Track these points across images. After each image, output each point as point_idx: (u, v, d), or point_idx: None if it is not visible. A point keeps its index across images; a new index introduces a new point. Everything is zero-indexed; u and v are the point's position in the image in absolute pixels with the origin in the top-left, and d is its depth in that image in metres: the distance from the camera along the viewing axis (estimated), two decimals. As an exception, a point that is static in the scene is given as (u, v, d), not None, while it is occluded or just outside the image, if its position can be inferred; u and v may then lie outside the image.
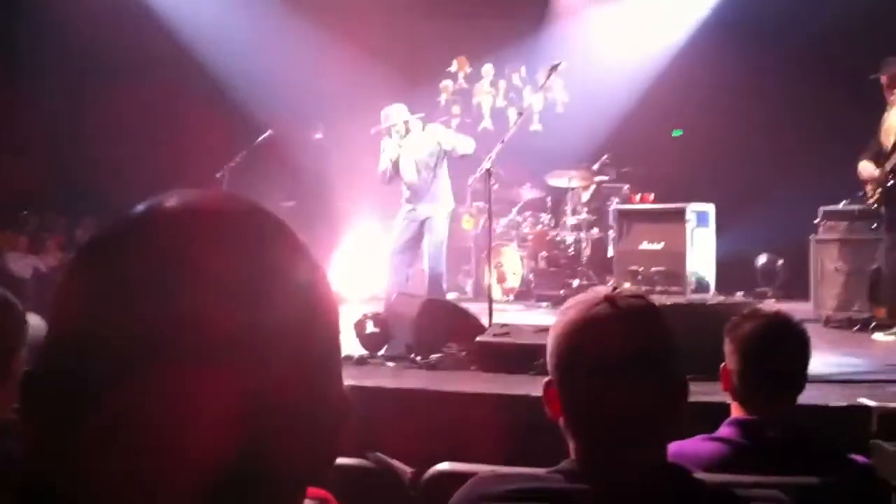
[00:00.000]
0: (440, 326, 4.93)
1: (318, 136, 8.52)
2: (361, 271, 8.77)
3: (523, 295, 8.83)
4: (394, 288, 6.54)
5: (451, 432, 3.58)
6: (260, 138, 7.84)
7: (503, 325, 4.97)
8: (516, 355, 4.39)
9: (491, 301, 5.79)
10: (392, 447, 2.45)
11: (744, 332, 2.18)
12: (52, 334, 0.58)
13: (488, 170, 6.02)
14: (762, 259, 8.86)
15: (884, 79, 6.03)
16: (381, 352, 5.04)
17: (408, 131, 6.85)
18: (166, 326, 0.54)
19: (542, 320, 5.65)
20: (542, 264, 8.88)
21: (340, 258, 8.83)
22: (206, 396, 0.55)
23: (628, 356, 1.40)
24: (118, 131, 8.85)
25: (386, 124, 6.85)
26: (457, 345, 4.74)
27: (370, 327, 5.05)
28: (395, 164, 6.84)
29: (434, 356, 4.70)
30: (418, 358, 4.76)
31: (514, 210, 9.40)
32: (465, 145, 6.81)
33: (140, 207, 0.60)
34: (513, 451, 3.36)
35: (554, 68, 6.35)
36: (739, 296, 8.39)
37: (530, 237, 9.07)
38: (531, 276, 8.89)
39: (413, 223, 6.90)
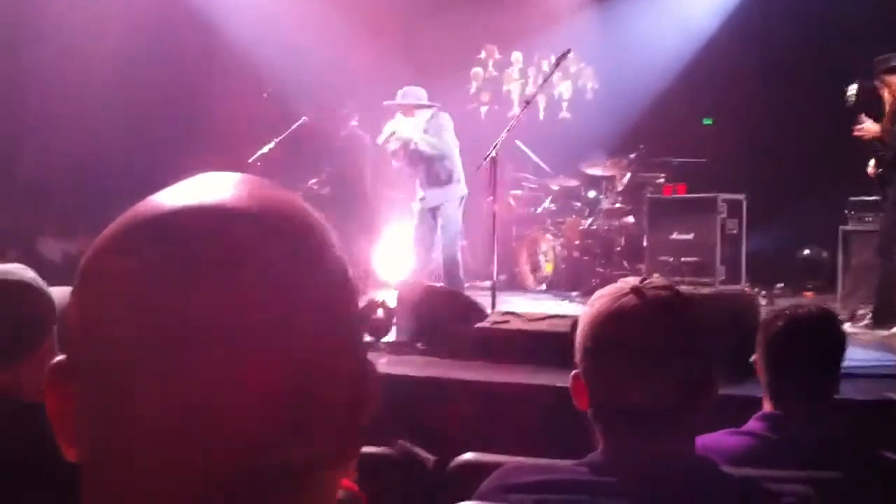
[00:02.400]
0: (441, 314, 4.92)
1: (354, 122, 8.50)
2: (403, 256, 8.78)
3: (556, 284, 8.76)
4: (415, 276, 6.58)
5: (439, 420, 3.59)
6: (294, 125, 7.90)
7: (505, 313, 4.95)
8: (515, 342, 4.38)
9: (494, 288, 5.81)
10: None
11: (775, 327, 2.18)
12: (85, 322, 0.57)
13: (493, 158, 5.98)
14: (806, 251, 8.71)
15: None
16: (386, 338, 5.01)
17: (415, 115, 6.82)
18: (202, 314, 0.54)
19: (571, 310, 5.59)
20: (575, 254, 8.83)
21: (383, 244, 8.82)
22: (245, 382, 0.54)
23: (653, 347, 1.39)
24: (150, 118, 8.91)
25: (401, 101, 6.84)
26: (456, 331, 4.72)
27: (377, 314, 5.05)
28: (406, 148, 6.82)
29: (432, 343, 4.69)
30: (419, 345, 4.74)
31: (549, 199, 9.35)
32: (440, 147, 6.76)
33: (170, 194, 0.59)
34: (490, 438, 3.41)
35: (563, 56, 6.31)
36: (779, 288, 8.42)
37: (564, 226, 9.01)
38: (563, 265, 8.84)
39: (425, 212, 6.92)
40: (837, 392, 2.20)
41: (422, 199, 6.96)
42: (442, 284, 5.81)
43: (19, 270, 1.98)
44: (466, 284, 7.04)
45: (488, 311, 5.16)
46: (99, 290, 0.57)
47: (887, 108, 6.09)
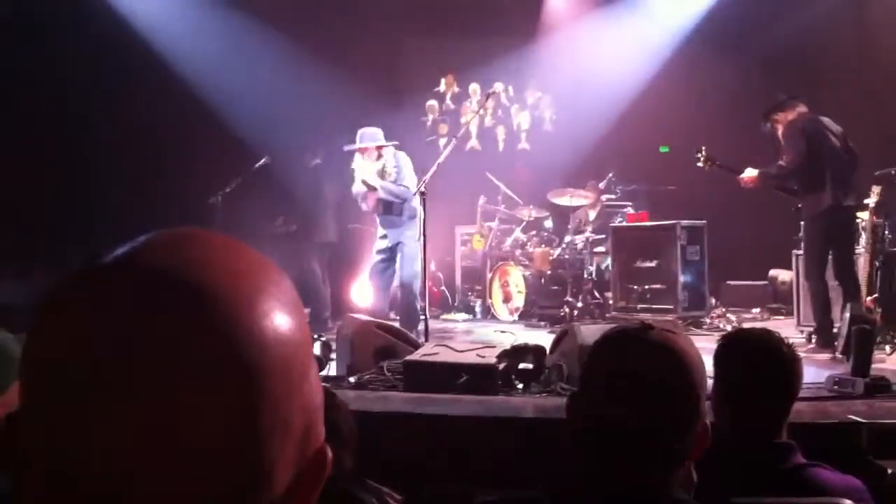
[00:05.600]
0: (374, 347, 5.09)
1: (317, 161, 8.54)
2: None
3: (526, 314, 8.81)
4: (373, 309, 6.78)
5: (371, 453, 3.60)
6: (256, 164, 7.92)
7: (437, 345, 5.08)
8: (441, 374, 4.47)
9: (427, 319, 6.15)
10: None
11: (718, 347, 2.24)
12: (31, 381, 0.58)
13: (422, 192, 6.31)
14: (780, 274, 8.79)
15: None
16: (322, 372, 5.03)
17: (379, 156, 7.03)
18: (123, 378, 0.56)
19: (542, 339, 5.64)
20: (545, 283, 8.87)
21: (359, 276, 8.83)
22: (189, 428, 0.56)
23: (635, 377, 1.44)
24: (109, 156, 8.81)
25: (360, 145, 7.01)
26: (388, 364, 4.88)
27: (315, 349, 5.07)
28: (372, 193, 7.01)
29: (364, 376, 4.81)
30: (351, 379, 4.83)
31: (518, 229, 9.43)
32: (400, 193, 6.94)
33: (101, 264, 0.60)
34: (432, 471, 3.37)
35: (489, 96, 7.13)
36: (755, 312, 8.57)
37: (533, 256, 9.06)
38: (534, 296, 8.87)
39: (386, 249, 7.08)
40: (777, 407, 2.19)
41: (382, 237, 7.14)
42: (380, 320, 5.89)
43: None
44: (442, 315, 6.72)
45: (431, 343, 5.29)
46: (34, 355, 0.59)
47: (783, 142, 6.34)
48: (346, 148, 7.14)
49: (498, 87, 10.04)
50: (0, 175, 8.14)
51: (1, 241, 8.17)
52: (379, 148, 7.01)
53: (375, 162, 7.01)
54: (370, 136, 7.03)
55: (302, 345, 0.62)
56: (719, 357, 2.22)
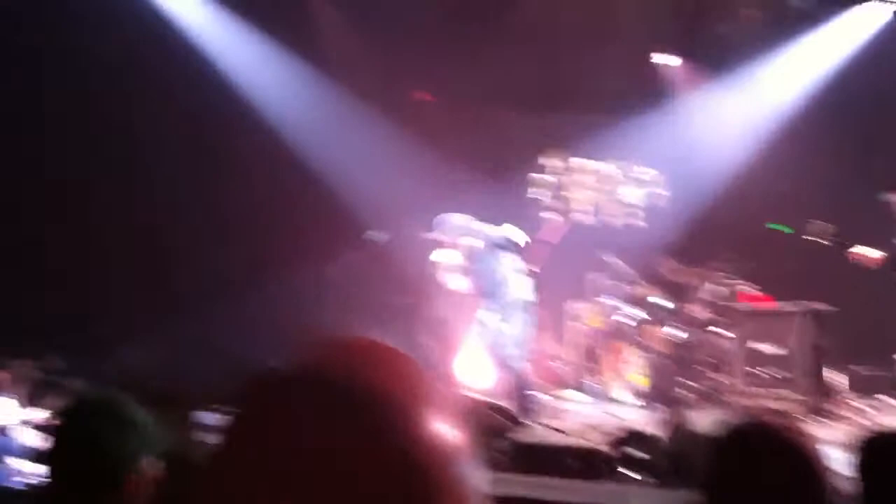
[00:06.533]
0: (482, 426, 5.03)
1: (428, 234, 8.63)
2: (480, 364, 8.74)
3: (641, 395, 8.50)
4: (490, 385, 6.82)
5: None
6: (368, 237, 7.98)
7: (545, 425, 5.29)
8: (549, 456, 4.50)
9: (534, 396, 6.22)
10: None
11: (863, 453, 1.98)
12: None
13: (532, 270, 6.55)
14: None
15: None
16: None
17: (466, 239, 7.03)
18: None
19: (655, 422, 5.39)
20: (660, 363, 8.54)
21: (462, 350, 8.78)
22: None
23: (761, 488, 1.41)
24: (223, 229, 9.04)
25: (439, 235, 7.05)
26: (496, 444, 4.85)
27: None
28: (461, 271, 7.11)
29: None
30: None
31: (631, 306, 9.15)
32: (468, 285, 7.01)
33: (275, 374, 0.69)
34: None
35: (596, 172, 6.40)
36: (881, 399, 8.01)
37: (648, 334, 8.77)
38: (649, 375, 8.56)
39: (490, 324, 7.02)
40: None
41: (485, 312, 7.11)
42: (487, 398, 5.77)
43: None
44: (552, 392, 7.09)
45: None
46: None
47: None
48: (426, 235, 7.18)
49: (603, 165, 9.96)
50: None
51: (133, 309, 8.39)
52: (452, 237, 7.02)
53: (453, 249, 7.03)
54: (446, 223, 7.05)
55: (462, 454, 0.69)
56: (866, 466, 1.89)
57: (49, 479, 1.87)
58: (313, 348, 0.69)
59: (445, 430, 0.67)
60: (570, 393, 9.14)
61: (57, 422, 1.95)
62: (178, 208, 9.11)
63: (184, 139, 8.93)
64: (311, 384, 0.66)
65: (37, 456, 5.07)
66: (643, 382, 8.55)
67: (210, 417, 6.16)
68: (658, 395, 8.29)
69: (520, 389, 6.74)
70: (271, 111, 9.41)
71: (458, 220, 7.06)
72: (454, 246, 7.00)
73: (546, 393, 8.06)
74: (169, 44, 9.02)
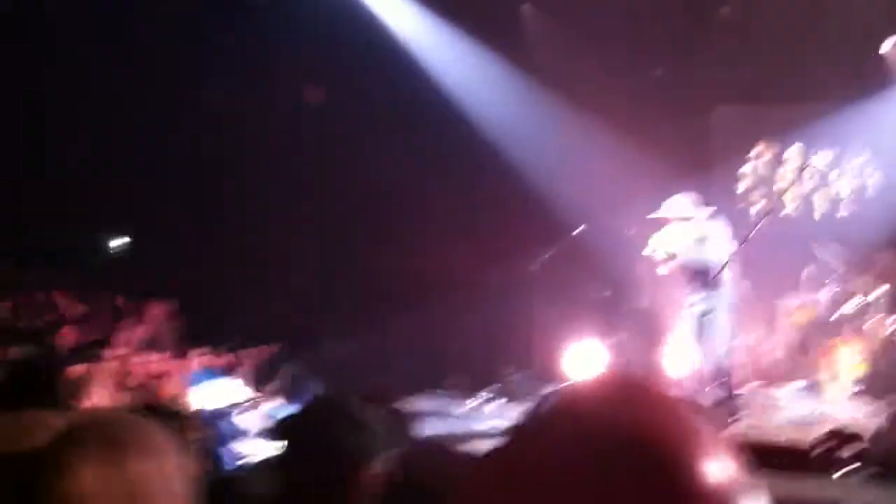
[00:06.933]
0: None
1: (631, 231, 8.73)
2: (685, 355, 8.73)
3: (858, 393, 8.15)
4: (693, 375, 6.77)
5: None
6: (574, 231, 8.22)
7: (751, 422, 4.82)
8: (751, 453, 4.25)
9: (738, 393, 5.92)
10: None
11: None
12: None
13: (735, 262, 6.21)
14: None
15: None
16: None
17: (688, 223, 7.00)
18: None
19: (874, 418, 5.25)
20: (879, 359, 8.24)
21: (669, 343, 8.83)
22: None
23: None
24: (433, 232, 9.46)
25: (665, 214, 7.04)
26: None
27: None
28: (672, 258, 7.02)
29: None
30: None
31: (846, 301, 8.84)
32: (704, 262, 6.83)
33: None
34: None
35: (805, 168, 6.15)
36: None
37: (866, 330, 8.48)
38: (868, 372, 8.23)
39: (694, 317, 7.01)
40: None
41: (691, 306, 7.08)
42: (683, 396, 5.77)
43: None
44: (755, 383, 6.71)
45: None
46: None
47: None
48: (651, 216, 7.20)
49: (815, 159, 9.69)
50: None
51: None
52: (681, 220, 7.01)
53: (681, 227, 7.01)
54: (677, 204, 7.05)
55: (742, 492, 0.67)
56: None
57: (287, 479, 1.94)
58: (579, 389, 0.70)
59: (722, 469, 0.65)
60: (780, 389, 9.01)
61: (294, 423, 2.05)
62: (392, 211, 9.70)
63: (405, 148, 9.52)
64: (571, 420, 0.67)
65: (263, 439, 5.40)
66: (860, 370, 8.24)
67: (423, 403, 6.49)
68: (877, 385, 8.00)
69: (725, 383, 6.70)
70: (488, 120, 9.73)
71: (684, 199, 7.10)
72: (679, 222, 7.00)
73: (756, 388, 8.01)
74: (386, 53, 9.56)
